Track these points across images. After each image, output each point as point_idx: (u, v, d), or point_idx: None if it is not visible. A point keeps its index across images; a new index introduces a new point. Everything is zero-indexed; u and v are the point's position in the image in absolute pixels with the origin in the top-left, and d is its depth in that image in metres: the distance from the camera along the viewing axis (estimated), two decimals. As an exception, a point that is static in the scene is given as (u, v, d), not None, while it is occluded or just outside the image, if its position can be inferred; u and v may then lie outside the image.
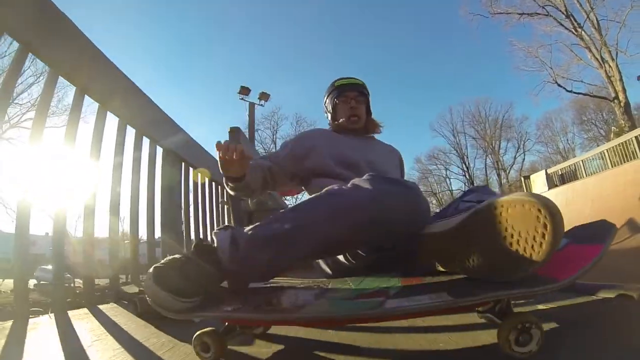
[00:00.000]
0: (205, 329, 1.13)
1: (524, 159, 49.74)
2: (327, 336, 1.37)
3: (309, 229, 1.11)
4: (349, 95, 1.90)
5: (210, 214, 4.27)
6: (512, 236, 0.87)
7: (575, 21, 20.62)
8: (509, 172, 49.43)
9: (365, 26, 65.39)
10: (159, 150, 3.17)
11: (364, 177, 1.16)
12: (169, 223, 3.23)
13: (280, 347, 1.31)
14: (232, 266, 1.11)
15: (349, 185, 1.15)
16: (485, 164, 51.88)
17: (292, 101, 77.50)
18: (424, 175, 54.14)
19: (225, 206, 4.77)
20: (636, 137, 10.84)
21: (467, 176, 52.47)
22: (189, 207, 3.73)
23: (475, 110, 51.58)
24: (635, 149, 10.63)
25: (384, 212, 1.09)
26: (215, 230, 1.20)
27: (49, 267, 14.22)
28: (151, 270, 1.04)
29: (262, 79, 67.88)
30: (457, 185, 54.85)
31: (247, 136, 15.16)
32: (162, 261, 1.09)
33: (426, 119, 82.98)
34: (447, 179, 54.39)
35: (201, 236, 3.97)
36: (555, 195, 11.92)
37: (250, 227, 1.18)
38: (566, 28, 21.06)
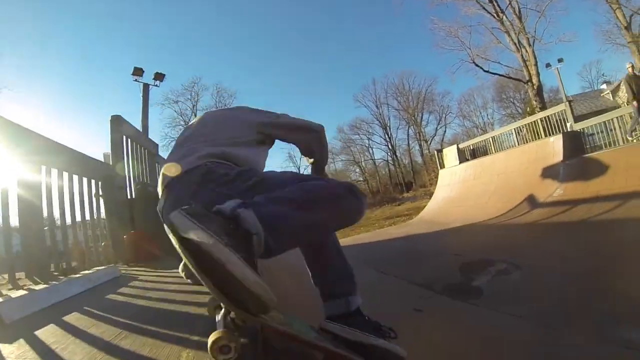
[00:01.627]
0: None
1: (445, 131, 53.71)
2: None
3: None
4: None
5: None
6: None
7: (498, 6, 22.46)
8: (430, 143, 52.46)
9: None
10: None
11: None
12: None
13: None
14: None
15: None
16: (408, 134, 54.76)
17: (214, 72, 75.11)
18: (346, 145, 56.66)
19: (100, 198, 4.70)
20: (541, 119, 11.99)
21: (390, 146, 54.81)
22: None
23: (399, 83, 54.10)
24: (540, 129, 11.66)
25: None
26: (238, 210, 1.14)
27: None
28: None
29: (177, 51, 67.06)
30: (380, 155, 57.21)
31: (141, 118, 15.89)
32: None
33: (350, 91, 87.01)
34: (370, 149, 56.50)
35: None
36: (465, 169, 12.88)
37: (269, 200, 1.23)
38: (488, 12, 22.76)
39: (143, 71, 17.23)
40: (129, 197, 5.78)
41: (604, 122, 10.65)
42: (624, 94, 31.68)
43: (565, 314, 2.85)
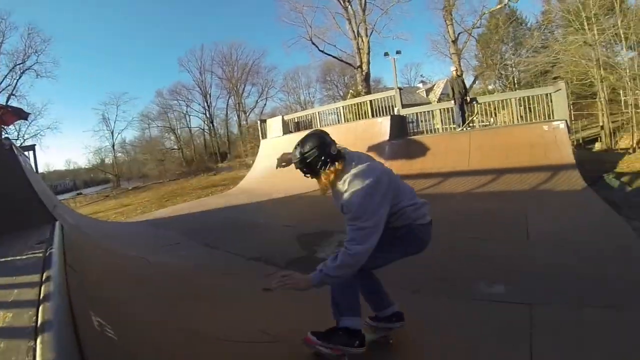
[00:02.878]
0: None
1: (265, 104, 53.63)
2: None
3: None
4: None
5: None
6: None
7: None
8: (248, 115, 52.36)
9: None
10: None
11: None
12: None
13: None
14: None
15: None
16: (227, 104, 53.57)
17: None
18: (164, 110, 52.31)
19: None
20: (369, 101, 12.75)
21: (208, 114, 52.98)
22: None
23: (227, 52, 51.89)
24: (367, 110, 12.56)
25: None
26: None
27: None
28: None
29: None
30: (197, 123, 54.58)
31: None
32: None
33: (175, 54, 79.87)
34: (188, 116, 53.84)
35: None
36: (288, 142, 12.15)
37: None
38: None
39: None
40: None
41: (427, 111, 11.90)
42: (436, 94, 38.40)
43: (425, 277, 3.16)
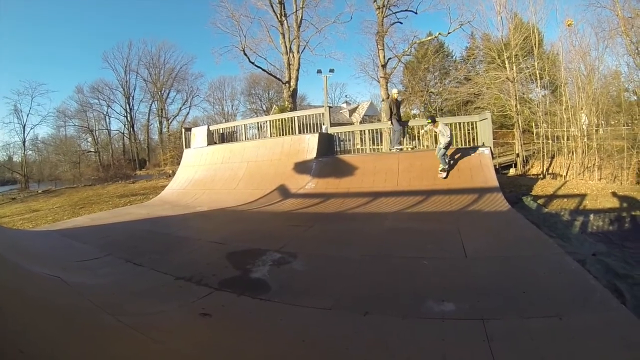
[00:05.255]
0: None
1: (188, 112, 52.85)
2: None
3: None
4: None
5: None
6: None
7: (284, 10, 23.60)
8: (171, 122, 50.82)
9: None
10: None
11: None
12: None
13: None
14: None
15: None
16: (150, 109, 51.67)
17: None
18: (82, 109, 49.21)
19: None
20: (296, 117, 12.79)
21: (129, 118, 50.63)
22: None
23: (155, 53, 50.36)
24: (294, 126, 12.57)
25: None
26: None
27: None
28: None
29: None
30: (116, 126, 51.63)
31: None
32: None
33: (101, 47, 73.53)
34: (108, 117, 50.88)
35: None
36: (213, 152, 11.84)
37: None
38: (274, 11, 23.58)
39: None
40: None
41: (353, 131, 12.17)
42: (360, 115, 39.78)
43: (374, 298, 3.09)
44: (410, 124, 11.43)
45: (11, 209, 16.63)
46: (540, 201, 7.84)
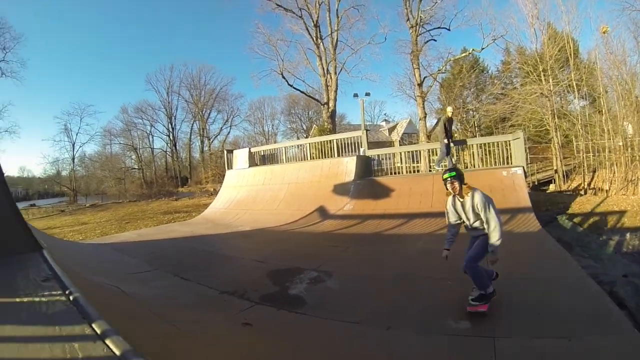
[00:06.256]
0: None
1: (229, 131, 54.26)
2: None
3: None
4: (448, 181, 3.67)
5: None
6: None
7: (320, 33, 24.60)
8: (212, 141, 52.40)
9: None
10: None
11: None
12: None
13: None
14: None
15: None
16: (192, 129, 53.69)
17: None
18: (127, 128, 52.22)
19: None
20: (337, 140, 13.09)
21: (171, 137, 52.74)
22: None
23: (196, 75, 52.65)
24: (333, 147, 12.82)
25: None
26: None
27: None
28: None
29: None
30: (159, 144, 53.85)
31: None
32: None
33: (144, 70, 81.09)
34: (151, 136, 53.34)
35: None
36: (255, 174, 12.45)
37: None
38: (310, 34, 24.66)
39: None
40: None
41: (392, 153, 12.51)
42: (399, 133, 39.69)
43: (395, 315, 3.37)
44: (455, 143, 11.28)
45: (61, 220, 18.00)
46: (576, 219, 7.86)
